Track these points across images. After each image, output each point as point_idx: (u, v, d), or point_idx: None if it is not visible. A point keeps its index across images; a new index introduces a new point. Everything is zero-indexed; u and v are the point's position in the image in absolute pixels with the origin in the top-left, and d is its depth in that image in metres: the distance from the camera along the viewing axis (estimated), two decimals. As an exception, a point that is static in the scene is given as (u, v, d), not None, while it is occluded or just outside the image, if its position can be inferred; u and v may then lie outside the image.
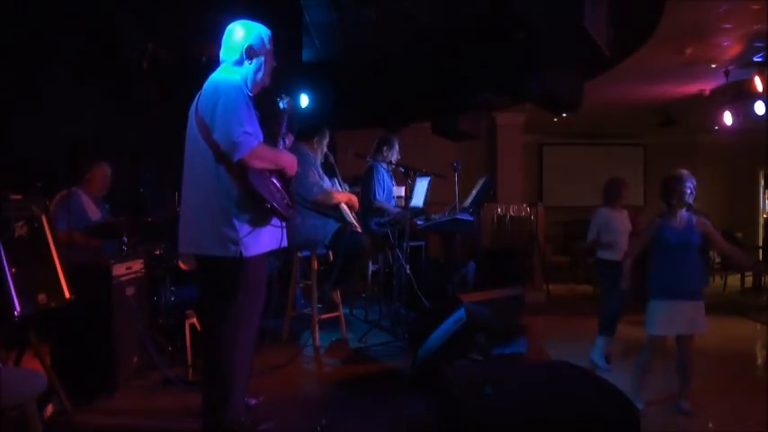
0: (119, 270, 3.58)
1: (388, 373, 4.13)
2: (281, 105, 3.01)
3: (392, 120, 7.58)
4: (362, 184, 5.59)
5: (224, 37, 2.80)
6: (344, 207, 4.74)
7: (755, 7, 4.79)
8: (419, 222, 5.23)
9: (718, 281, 8.67)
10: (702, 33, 5.52)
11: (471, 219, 5.36)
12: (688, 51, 6.01)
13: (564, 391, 2.69)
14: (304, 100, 5.72)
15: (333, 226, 4.66)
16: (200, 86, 2.73)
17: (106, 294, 3.45)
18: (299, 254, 4.77)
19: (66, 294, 3.08)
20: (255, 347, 2.96)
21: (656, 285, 3.44)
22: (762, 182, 10.90)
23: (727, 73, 6.79)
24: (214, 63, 2.83)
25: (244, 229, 2.64)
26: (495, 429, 2.44)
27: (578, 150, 11.17)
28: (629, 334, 4.58)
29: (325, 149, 4.91)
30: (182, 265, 4.10)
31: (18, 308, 2.75)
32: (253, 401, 3.19)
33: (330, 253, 4.79)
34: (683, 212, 3.45)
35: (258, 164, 2.63)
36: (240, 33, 2.76)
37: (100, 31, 4.48)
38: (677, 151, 10.36)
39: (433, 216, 5.42)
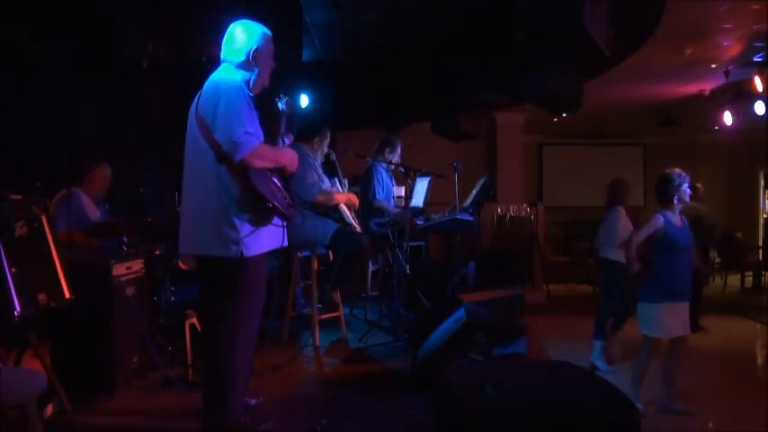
0: (119, 270, 3.58)
1: (388, 373, 4.13)
2: (280, 106, 3.01)
3: (392, 120, 7.59)
4: (362, 184, 5.59)
5: (225, 37, 2.79)
6: (344, 208, 4.74)
7: (755, 7, 4.79)
8: (419, 222, 5.23)
9: (718, 281, 8.67)
10: (702, 33, 5.53)
11: (471, 219, 5.36)
12: (688, 51, 6.01)
13: (564, 391, 2.69)
14: (304, 100, 5.72)
15: (333, 226, 4.66)
16: (200, 86, 2.73)
17: (106, 294, 3.45)
18: (299, 254, 4.77)
19: (66, 294, 3.08)
20: (255, 347, 2.95)
21: (657, 286, 3.37)
22: (762, 182, 10.90)
23: (727, 73, 6.79)
24: (214, 63, 2.82)
25: (245, 228, 2.64)
26: (495, 429, 2.44)
27: (578, 150, 11.18)
28: (633, 334, 4.56)
29: (325, 150, 4.91)
30: (182, 265, 4.09)
31: (18, 308, 2.75)
32: (253, 401, 3.19)
33: (330, 253, 4.79)
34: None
35: (259, 163, 2.63)
36: (243, 35, 2.75)
37: (100, 31, 4.47)
38: (677, 151, 10.34)
39: (433, 216, 5.42)
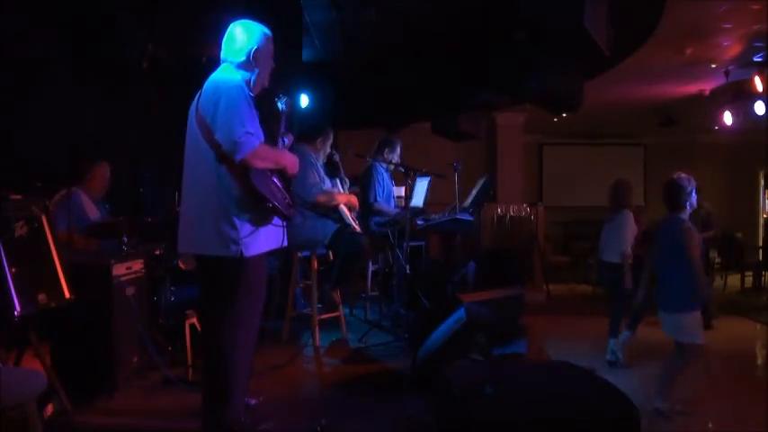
0: (119, 270, 3.57)
1: (388, 373, 4.13)
2: (279, 106, 3.01)
3: (392, 120, 7.58)
4: (361, 184, 5.59)
5: (225, 37, 2.79)
6: (344, 209, 4.74)
7: (755, 7, 4.79)
8: (419, 222, 5.23)
9: (718, 281, 8.67)
10: (702, 33, 5.53)
11: (471, 219, 5.36)
12: (688, 51, 6.01)
13: (564, 391, 2.69)
14: (304, 100, 5.72)
15: (333, 226, 4.66)
16: (200, 86, 2.73)
17: (106, 294, 3.45)
18: (299, 254, 4.77)
19: (66, 294, 3.08)
20: (255, 347, 2.95)
21: (694, 293, 3.32)
22: (762, 182, 10.90)
23: (727, 73, 6.79)
24: (214, 63, 2.82)
25: (245, 228, 2.64)
26: (495, 429, 2.44)
27: (578, 150, 11.18)
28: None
29: (328, 150, 4.90)
30: (182, 265, 4.10)
31: (18, 308, 2.75)
32: (253, 401, 3.19)
33: (330, 253, 4.79)
34: None
35: (260, 164, 2.63)
36: (243, 35, 2.76)
37: (100, 31, 4.47)
38: (677, 151, 10.36)
39: (433, 216, 5.42)
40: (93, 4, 4.29)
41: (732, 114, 7.77)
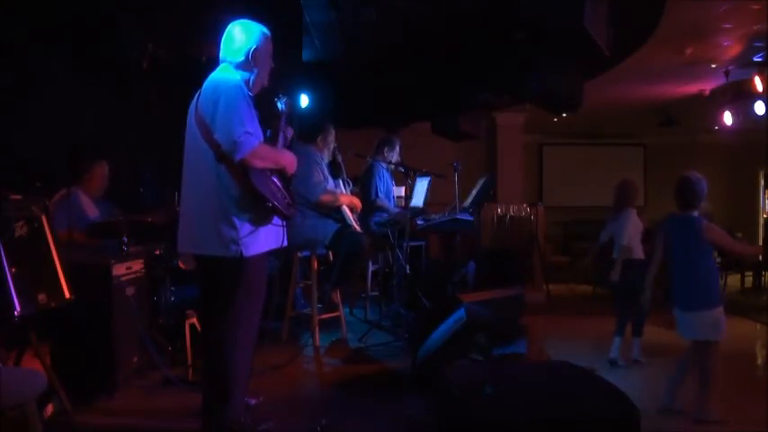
0: (119, 270, 3.58)
1: (388, 373, 4.13)
2: (279, 106, 3.01)
3: (392, 120, 7.58)
4: (362, 183, 5.59)
5: (224, 37, 2.79)
6: (346, 209, 4.74)
7: (755, 7, 4.78)
8: (419, 222, 5.23)
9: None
10: (702, 33, 5.52)
11: (471, 219, 5.36)
12: (688, 51, 6.01)
13: (564, 391, 2.69)
14: (304, 100, 5.72)
15: (333, 226, 4.66)
16: (199, 86, 2.73)
17: (106, 294, 3.45)
18: (299, 254, 4.77)
19: (66, 294, 3.08)
20: (255, 347, 2.95)
21: (716, 289, 3.37)
22: (762, 182, 10.89)
23: (727, 73, 6.78)
24: (214, 63, 2.82)
25: (245, 228, 2.64)
26: (495, 429, 2.44)
27: (578, 150, 11.17)
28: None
29: (332, 146, 4.90)
30: (182, 265, 4.10)
31: (18, 308, 2.75)
32: (253, 401, 3.19)
33: (330, 253, 4.79)
34: None
35: (259, 164, 2.63)
36: (242, 35, 2.75)
37: (100, 31, 4.47)
38: (677, 151, 10.35)
39: (432, 216, 5.42)
40: (93, 4, 4.28)
41: (732, 114, 7.76)
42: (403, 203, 5.52)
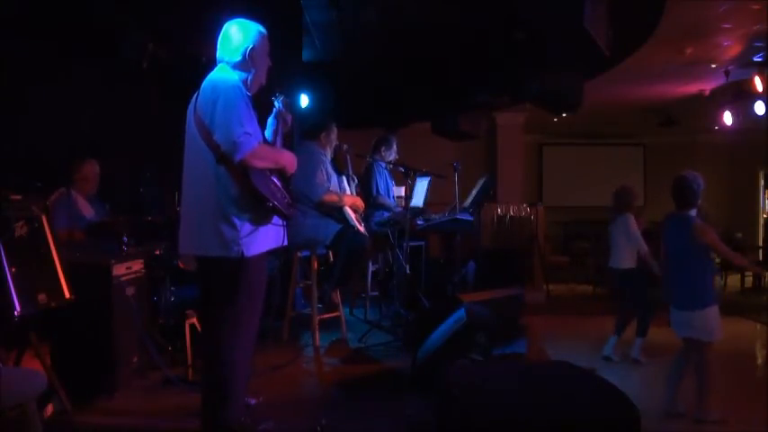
0: (119, 270, 3.58)
1: (388, 373, 4.13)
2: (276, 105, 3.00)
3: (392, 120, 7.58)
4: (362, 183, 5.59)
5: (220, 37, 2.79)
6: (348, 210, 4.73)
7: (755, 7, 4.78)
8: (419, 222, 5.23)
9: (717, 281, 8.67)
10: (702, 33, 5.52)
11: (471, 219, 5.36)
12: (688, 51, 6.01)
13: (564, 391, 2.69)
14: (304, 100, 5.72)
15: (334, 226, 4.65)
16: (199, 87, 2.73)
17: (106, 294, 3.45)
18: (299, 254, 4.77)
19: (67, 294, 3.08)
20: (255, 347, 2.95)
21: (711, 289, 3.34)
22: (762, 182, 10.88)
23: (727, 73, 6.79)
24: (214, 63, 2.82)
25: (245, 228, 2.64)
26: (495, 429, 2.44)
27: (578, 150, 11.17)
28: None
29: (335, 143, 4.89)
30: (182, 265, 4.10)
31: (18, 308, 2.75)
32: (253, 401, 3.19)
33: (330, 253, 4.79)
34: None
35: (259, 164, 2.63)
36: (239, 34, 2.75)
37: (100, 31, 4.47)
38: (677, 151, 10.35)
39: (432, 216, 5.42)
40: (93, 4, 4.28)
41: (732, 114, 7.77)
42: (403, 203, 5.52)
